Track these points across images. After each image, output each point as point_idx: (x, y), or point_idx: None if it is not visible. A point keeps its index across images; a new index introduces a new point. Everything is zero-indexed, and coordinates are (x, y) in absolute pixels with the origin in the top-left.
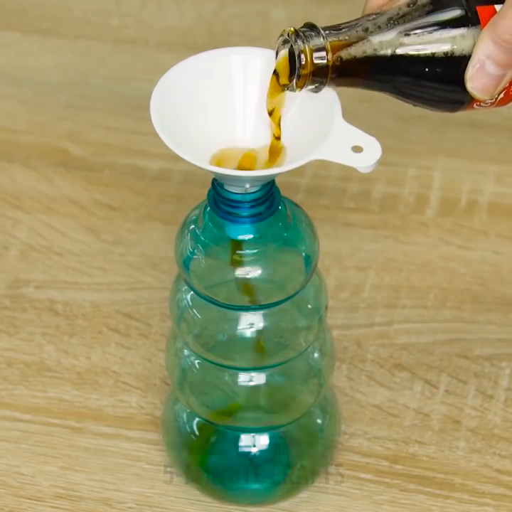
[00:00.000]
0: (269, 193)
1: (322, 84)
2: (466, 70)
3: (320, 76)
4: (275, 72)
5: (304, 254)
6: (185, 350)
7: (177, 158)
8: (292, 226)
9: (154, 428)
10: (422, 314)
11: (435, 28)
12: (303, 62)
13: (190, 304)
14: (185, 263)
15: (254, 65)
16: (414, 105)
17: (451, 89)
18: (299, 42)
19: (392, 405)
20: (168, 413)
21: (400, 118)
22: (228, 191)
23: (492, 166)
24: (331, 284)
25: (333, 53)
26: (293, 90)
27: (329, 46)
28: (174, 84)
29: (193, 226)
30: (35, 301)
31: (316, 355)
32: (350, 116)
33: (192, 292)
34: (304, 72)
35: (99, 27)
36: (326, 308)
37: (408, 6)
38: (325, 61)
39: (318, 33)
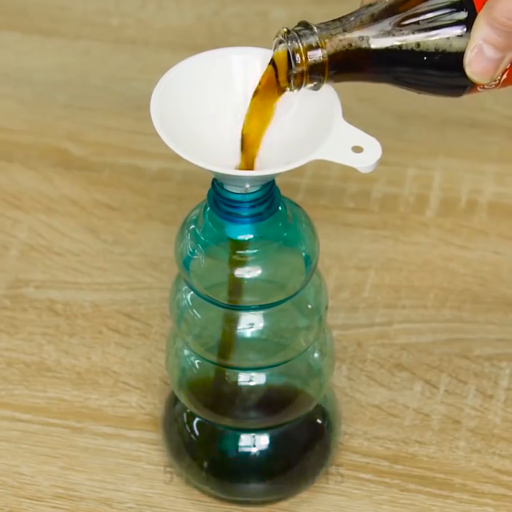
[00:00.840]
0: (269, 193)
1: (320, 81)
2: (464, 55)
3: (317, 73)
4: (273, 66)
5: (303, 254)
6: (185, 350)
7: (177, 158)
8: (292, 226)
9: (154, 428)
10: (422, 314)
11: (430, 15)
12: (298, 61)
13: (190, 304)
14: (185, 263)
15: (254, 65)
16: (419, 93)
17: (451, 75)
18: (293, 41)
19: (392, 405)
20: (168, 413)
21: (399, 117)
22: (228, 191)
23: (492, 166)
24: (331, 284)
25: (328, 50)
26: (291, 90)
27: (323, 43)
28: (174, 84)
29: (193, 226)
30: (35, 301)
31: (316, 355)
32: (350, 115)
33: (192, 292)
34: (300, 70)
35: (99, 27)
36: (326, 308)
37: None
38: (320, 58)
39: (312, 30)
